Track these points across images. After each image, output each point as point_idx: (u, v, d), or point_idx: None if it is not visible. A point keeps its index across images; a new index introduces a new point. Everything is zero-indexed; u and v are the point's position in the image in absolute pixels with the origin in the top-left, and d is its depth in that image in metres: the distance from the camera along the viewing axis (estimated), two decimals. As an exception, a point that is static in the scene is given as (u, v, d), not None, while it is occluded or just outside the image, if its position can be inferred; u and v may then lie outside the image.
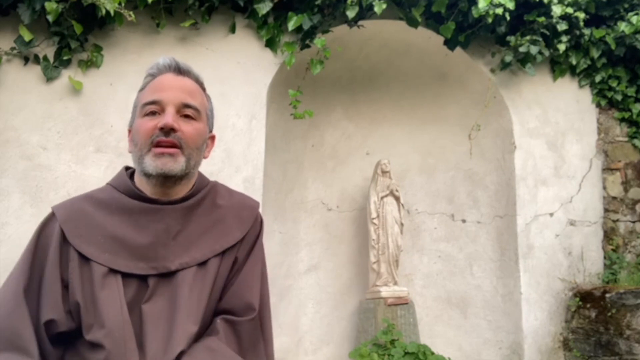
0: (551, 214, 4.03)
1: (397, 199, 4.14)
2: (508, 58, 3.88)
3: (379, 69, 4.32)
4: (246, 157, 3.49)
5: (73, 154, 3.21)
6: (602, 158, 4.22)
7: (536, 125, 4.12)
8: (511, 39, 3.85)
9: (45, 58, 3.21)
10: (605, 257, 4.09)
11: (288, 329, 4.04)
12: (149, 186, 1.20)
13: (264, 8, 3.45)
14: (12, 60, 3.20)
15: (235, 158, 3.47)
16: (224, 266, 1.22)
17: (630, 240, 4.15)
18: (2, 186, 3.07)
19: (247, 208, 1.31)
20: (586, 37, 4.03)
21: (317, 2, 3.51)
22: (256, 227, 1.30)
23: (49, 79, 3.22)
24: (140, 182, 1.22)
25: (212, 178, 3.41)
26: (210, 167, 3.36)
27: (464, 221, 4.35)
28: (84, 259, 1.14)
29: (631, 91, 4.21)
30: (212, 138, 1.31)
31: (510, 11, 3.69)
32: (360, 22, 3.73)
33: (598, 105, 4.26)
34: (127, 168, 1.29)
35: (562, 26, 3.85)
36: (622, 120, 4.26)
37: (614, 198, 4.18)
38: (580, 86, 4.24)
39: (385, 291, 3.90)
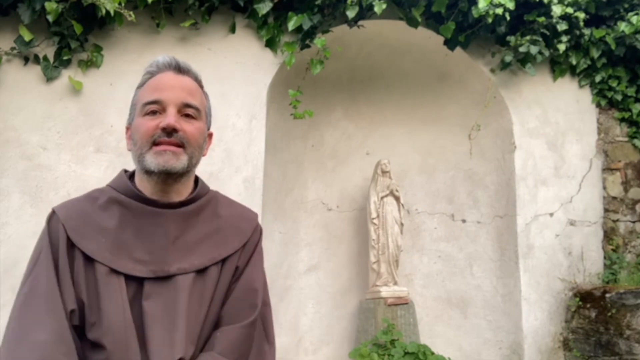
0: (551, 214, 4.03)
1: (397, 199, 4.14)
2: (508, 58, 3.88)
3: (379, 69, 4.32)
4: (246, 157, 3.49)
5: (73, 154, 3.21)
6: (602, 158, 4.22)
7: (536, 125, 4.12)
8: (511, 39, 3.85)
9: (45, 58, 3.21)
10: (605, 257, 4.09)
11: (288, 329, 4.04)
12: (149, 185, 1.20)
13: (264, 8, 3.45)
14: (12, 60, 3.20)
15: (235, 158, 3.47)
16: (224, 275, 1.22)
17: (630, 240, 4.15)
18: (2, 186, 3.07)
19: (246, 219, 1.32)
20: (586, 37, 4.03)
21: (317, 2, 3.51)
22: (255, 237, 1.31)
23: (49, 79, 3.22)
24: (140, 182, 1.22)
25: (212, 178, 3.40)
26: (210, 167, 3.36)
27: (464, 221, 4.35)
28: (88, 259, 1.14)
29: (631, 91, 4.21)
30: (210, 136, 1.31)
31: (510, 11, 3.69)
32: (360, 22, 3.73)
33: (598, 105, 4.26)
34: (125, 171, 1.29)
35: (562, 26, 3.85)
36: (622, 120, 4.26)
37: (614, 198, 4.18)
38: (580, 86, 4.24)
39: (385, 291, 3.90)
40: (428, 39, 3.96)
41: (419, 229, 4.46)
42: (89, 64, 3.28)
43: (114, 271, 1.13)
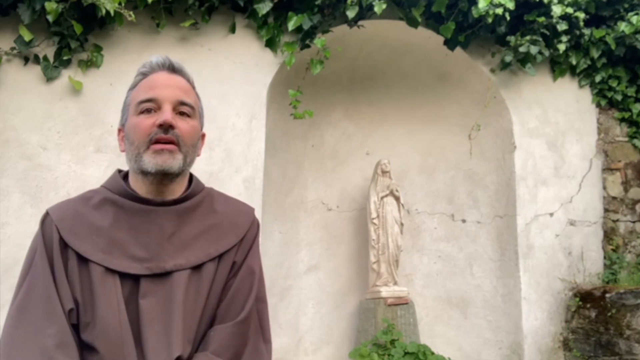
0: (551, 214, 4.03)
1: (397, 199, 4.14)
2: (508, 58, 3.88)
3: (379, 69, 4.32)
4: (246, 157, 3.49)
5: (73, 154, 3.21)
6: (602, 158, 4.22)
7: (536, 125, 4.12)
8: (511, 39, 3.85)
9: (45, 58, 3.21)
10: (605, 257, 4.09)
11: (288, 329, 4.04)
12: (144, 185, 1.20)
13: (264, 8, 3.45)
14: (12, 60, 3.20)
15: (235, 158, 3.47)
16: (221, 271, 1.21)
17: (630, 240, 4.15)
18: (2, 186, 3.07)
19: (243, 214, 1.31)
20: (586, 37, 4.03)
21: (317, 2, 3.51)
22: (252, 231, 1.30)
23: (49, 79, 3.22)
24: (134, 182, 1.22)
25: (212, 178, 3.39)
26: (210, 167, 3.36)
27: (464, 221, 4.35)
28: (82, 258, 1.14)
29: (631, 91, 4.21)
30: (203, 136, 1.31)
31: (510, 11, 3.69)
32: (360, 22, 3.73)
33: (598, 105, 4.26)
34: (119, 171, 1.29)
35: (562, 26, 3.85)
36: (622, 120, 4.26)
37: (614, 198, 4.18)
38: (580, 86, 4.24)
39: (385, 291, 3.90)
40: (428, 39, 3.96)
41: (419, 229, 4.46)
42: (89, 64, 3.28)
43: (109, 271, 1.13)
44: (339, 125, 4.51)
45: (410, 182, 4.51)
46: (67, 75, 3.24)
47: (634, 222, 4.19)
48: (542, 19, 3.79)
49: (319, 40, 3.55)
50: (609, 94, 4.22)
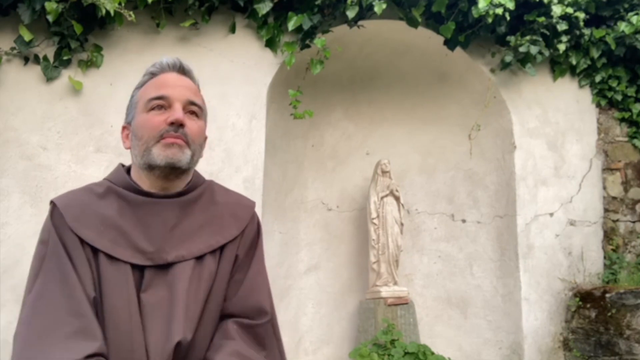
0: (551, 214, 4.03)
1: (397, 199, 4.14)
2: (508, 58, 3.88)
3: (379, 69, 4.32)
4: (246, 157, 3.49)
5: (73, 154, 3.21)
6: (602, 158, 4.22)
7: (536, 125, 4.12)
8: (511, 39, 3.85)
9: (45, 58, 3.21)
10: (605, 257, 4.09)
11: (288, 329, 4.04)
12: (149, 180, 1.21)
13: (264, 8, 3.45)
14: (12, 60, 3.20)
15: (235, 158, 3.47)
16: (224, 264, 1.23)
17: (630, 240, 4.15)
18: (2, 186, 3.07)
19: (243, 207, 1.33)
20: (586, 37, 4.03)
21: (317, 2, 3.51)
22: (253, 227, 1.32)
23: (49, 79, 3.22)
24: (138, 177, 1.23)
25: (212, 178, 3.40)
26: (211, 167, 3.36)
27: (464, 221, 4.35)
28: (93, 249, 1.15)
29: (631, 91, 4.21)
30: (205, 139, 1.33)
31: (510, 11, 3.69)
32: (360, 22, 3.73)
33: (598, 105, 4.26)
34: (123, 165, 1.30)
35: (562, 26, 3.85)
36: (622, 120, 4.26)
37: (614, 198, 4.18)
38: (580, 86, 4.24)
39: (385, 291, 3.90)
40: (428, 39, 3.96)
41: (419, 229, 4.46)
42: (89, 64, 3.28)
43: (118, 260, 1.14)
44: (339, 125, 4.51)
45: (410, 182, 4.51)
46: (67, 75, 3.24)
47: (634, 222, 4.19)
48: (542, 19, 3.79)
49: (319, 40, 3.55)
50: (609, 94, 4.22)
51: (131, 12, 3.15)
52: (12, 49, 3.17)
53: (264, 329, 1.21)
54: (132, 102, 1.26)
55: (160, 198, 1.21)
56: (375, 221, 4.09)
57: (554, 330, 3.91)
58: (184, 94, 1.21)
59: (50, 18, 3.02)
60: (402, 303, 3.88)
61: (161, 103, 1.19)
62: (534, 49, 3.79)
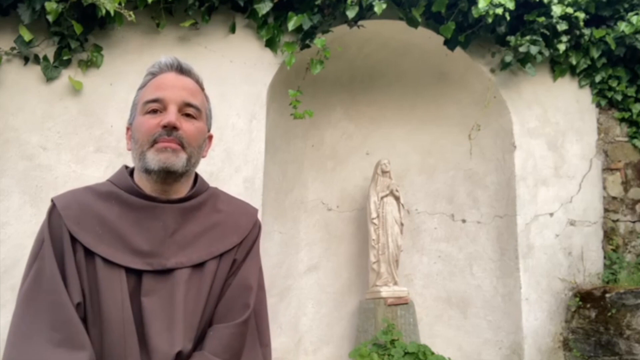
0: (551, 214, 4.03)
1: (397, 199, 4.14)
2: (508, 58, 3.88)
3: (379, 69, 4.32)
4: (246, 157, 3.49)
5: (73, 154, 3.21)
6: (602, 158, 4.22)
7: (536, 125, 4.12)
8: (511, 39, 3.85)
9: (45, 58, 3.21)
10: (605, 257, 4.09)
11: (288, 329, 4.04)
12: (149, 183, 1.20)
13: (264, 8, 3.45)
14: (12, 60, 3.20)
15: (235, 158, 3.47)
16: (222, 270, 1.22)
17: (630, 240, 4.15)
18: (2, 186, 3.07)
19: (245, 214, 1.32)
20: (586, 37, 4.03)
21: (317, 2, 3.51)
22: (254, 232, 1.30)
23: (49, 79, 3.22)
24: (139, 180, 1.23)
25: (212, 178, 3.38)
26: (210, 167, 3.36)
27: (464, 221, 4.35)
28: (88, 251, 1.14)
29: (631, 91, 4.21)
30: (210, 137, 1.32)
31: (510, 11, 3.68)
32: (360, 22, 3.73)
33: (598, 105, 4.26)
34: (126, 167, 1.29)
35: (562, 26, 3.85)
36: (622, 120, 4.26)
37: (614, 198, 4.18)
38: (580, 86, 4.24)
39: (385, 291, 3.90)
40: (428, 39, 3.96)
41: (419, 229, 4.46)
42: (89, 64, 3.28)
43: (114, 264, 1.13)
44: (339, 125, 4.51)
45: (410, 182, 4.51)
46: (67, 75, 3.24)
47: (634, 222, 4.18)
48: (542, 19, 3.79)
49: (319, 40, 3.55)
50: (609, 94, 4.22)
51: (131, 12, 3.15)
52: (12, 49, 3.17)
53: (240, 328, 1.17)
54: (133, 102, 1.25)
55: (162, 203, 1.20)
56: (375, 221, 4.09)
57: (554, 330, 3.91)
58: (180, 95, 1.19)
59: (50, 18, 3.03)
60: (402, 303, 3.88)
61: (156, 106, 1.18)
62: (534, 49, 3.79)
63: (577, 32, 3.99)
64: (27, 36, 3.10)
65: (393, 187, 4.13)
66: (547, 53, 3.88)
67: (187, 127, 1.19)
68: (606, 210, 4.16)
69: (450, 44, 3.90)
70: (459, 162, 4.41)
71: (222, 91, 3.47)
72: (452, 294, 4.27)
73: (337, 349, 4.19)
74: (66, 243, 1.14)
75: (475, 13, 3.63)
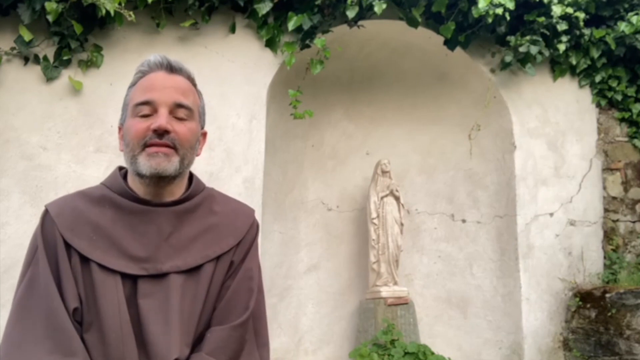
0: (551, 214, 4.03)
1: (397, 199, 4.14)
2: (508, 58, 3.88)
3: (379, 69, 4.32)
4: (246, 157, 3.49)
5: (73, 154, 3.21)
6: (602, 158, 4.22)
7: (536, 125, 4.12)
8: (511, 39, 3.85)
9: (45, 58, 3.21)
10: (605, 257, 4.09)
11: (288, 329, 4.04)
12: (142, 186, 1.19)
13: (264, 8, 3.45)
14: (12, 60, 3.20)
15: (235, 158, 3.47)
16: (218, 272, 1.20)
17: (630, 240, 4.15)
18: (2, 186, 3.07)
19: (242, 215, 1.30)
20: (586, 37, 4.03)
21: (317, 2, 3.51)
22: (252, 233, 1.28)
23: (49, 79, 3.22)
24: (133, 182, 1.21)
25: (212, 178, 3.39)
26: (211, 167, 3.36)
27: (464, 221, 4.35)
28: (83, 256, 1.13)
29: (631, 91, 4.21)
30: (204, 135, 1.29)
31: (510, 11, 3.68)
32: (360, 22, 3.73)
33: (598, 105, 4.26)
34: (120, 168, 1.27)
35: (562, 26, 3.85)
36: (622, 120, 4.26)
37: (614, 198, 4.18)
38: (580, 86, 4.24)
39: (385, 291, 3.90)
40: (428, 39, 3.96)
41: (419, 229, 4.46)
42: (89, 64, 3.28)
43: (109, 270, 1.12)
44: (339, 125, 4.51)
45: (410, 182, 4.51)
46: (67, 75, 3.24)
47: (634, 222, 4.19)
48: (542, 19, 3.79)
49: (319, 40, 3.55)
50: (609, 94, 4.22)
51: (131, 12, 3.15)
52: (12, 49, 3.17)
53: (239, 331, 1.17)
54: (124, 102, 1.23)
55: (156, 206, 1.18)
56: (375, 221, 4.09)
57: (554, 330, 3.91)
58: (171, 96, 1.16)
59: (50, 18, 3.02)
60: (402, 303, 3.88)
61: (146, 109, 1.15)
62: (534, 49, 3.79)
63: (577, 32, 3.99)
64: (27, 36, 3.10)
65: (393, 187, 4.13)
66: (547, 53, 3.88)
67: (179, 128, 1.16)
68: (606, 210, 4.16)
69: (450, 44, 3.90)
70: (459, 162, 4.41)
71: (222, 91, 3.47)
72: (452, 294, 4.27)
73: (337, 349, 4.19)
74: (60, 249, 1.13)
75: (475, 13, 3.63)
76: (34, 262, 1.13)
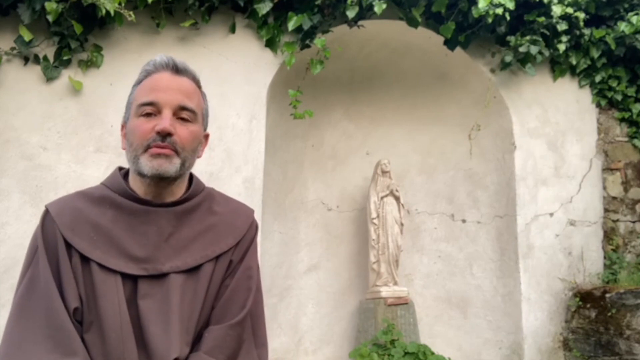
0: (551, 214, 4.03)
1: (397, 199, 4.14)
2: (508, 58, 3.88)
3: (379, 69, 4.32)
4: (246, 157, 3.49)
5: (73, 154, 3.21)
6: (602, 158, 4.22)
7: (536, 125, 4.12)
8: (511, 39, 3.85)
9: (45, 58, 3.21)
10: (605, 257, 4.09)
11: (288, 329, 4.04)
12: (143, 186, 1.19)
13: (264, 8, 3.45)
14: (12, 60, 3.20)
15: (235, 158, 3.47)
16: (218, 271, 1.21)
17: (630, 240, 4.15)
18: (2, 186, 3.07)
19: (241, 215, 1.30)
20: (586, 37, 4.03)
21: (317, 2, 3.51)
22: (251, 232, 1.29)
23: (49, 79, 3.22)
24: (134, 182, 1.21)
25: (212, 178, 3.39)
26: (211, 167, 3.36)
27: (464, 221, 4.35)
28: (83, 256, 1.14)
29: (631, 91, 4.21)
30: (206, 137, 1.30)
31: (510, 11, 3.69)
32: (360, 22, 3.73)
33: (598, 105, 4.26)
34: (120, 168, 1.28)
35: (562, 26, 3.85)
36: (622, 120, 4.26)
37: (614, 198, 4.18)
38: (580, 86, 4.24)
39: (385, 291, 3.90)
40: (428, 39, 3.96)
41: (419, 229, 4.46)
42: (89, 64, 3.28)
43: (109, 270, 1.13)
44: (339, 125, 4.51)
45: (410, 182, 4.51)
46: (67, 75, 3.24)
47: (634, 222, 4.19)
48: (542, 19, 3.79)
49: (319, 40, 3.55)
50: (609, 94, 4.22)
51: (131, 12, 3.15)
52: (12, 49, 3.17)
53: (236, 329, 1.17)
54: (129, 100, 1.23)
55: (157, 207, 1.19)
56: (375, 221, 4.09)
57: (554, 330, 3.91)
58: (175, 98, 1.17)
59: (50, 18, 3.02)
60: (402, 303, 3.88)
61: (150, 110, 1.16)
62: (534, 49, 3.79)
63: (577, 32, 3.99)
64: (27, 36, 3.10)
65: (393, 187, 4.13)
66: (547, 53, 3.88)
67: (182, 131, 1.16)
68: (606, 210, 4.16)
69: (450, 44, 3.90)
70: (459, 162, 4.41)
71: (222, 91, 3.47)
72: (452, 294, 4.27)
73: (337, 349, 4.19)
74: (61, 249, 1.13)
75: (475, 13, 3.63)
76: (34, 262, 1.14)
